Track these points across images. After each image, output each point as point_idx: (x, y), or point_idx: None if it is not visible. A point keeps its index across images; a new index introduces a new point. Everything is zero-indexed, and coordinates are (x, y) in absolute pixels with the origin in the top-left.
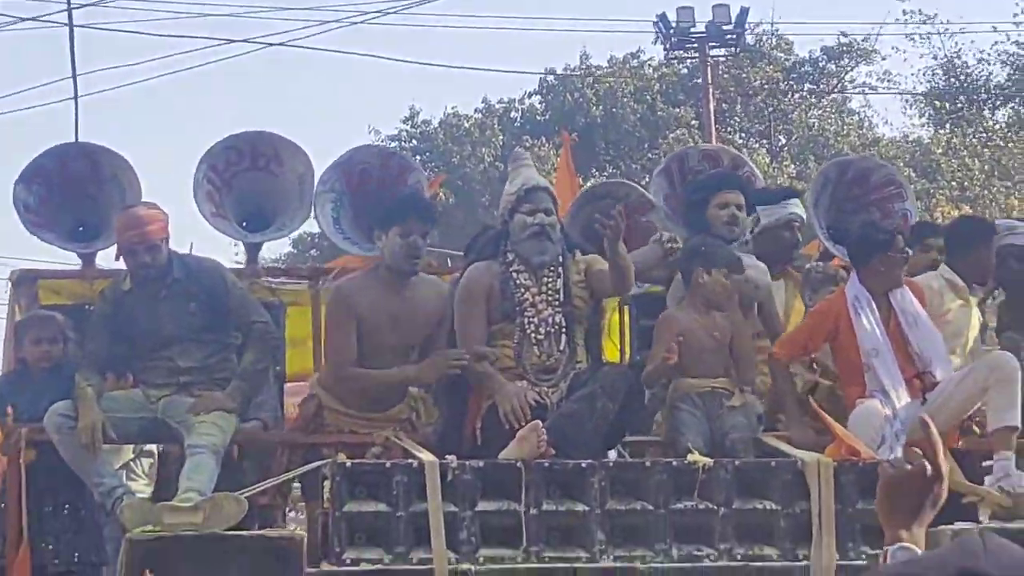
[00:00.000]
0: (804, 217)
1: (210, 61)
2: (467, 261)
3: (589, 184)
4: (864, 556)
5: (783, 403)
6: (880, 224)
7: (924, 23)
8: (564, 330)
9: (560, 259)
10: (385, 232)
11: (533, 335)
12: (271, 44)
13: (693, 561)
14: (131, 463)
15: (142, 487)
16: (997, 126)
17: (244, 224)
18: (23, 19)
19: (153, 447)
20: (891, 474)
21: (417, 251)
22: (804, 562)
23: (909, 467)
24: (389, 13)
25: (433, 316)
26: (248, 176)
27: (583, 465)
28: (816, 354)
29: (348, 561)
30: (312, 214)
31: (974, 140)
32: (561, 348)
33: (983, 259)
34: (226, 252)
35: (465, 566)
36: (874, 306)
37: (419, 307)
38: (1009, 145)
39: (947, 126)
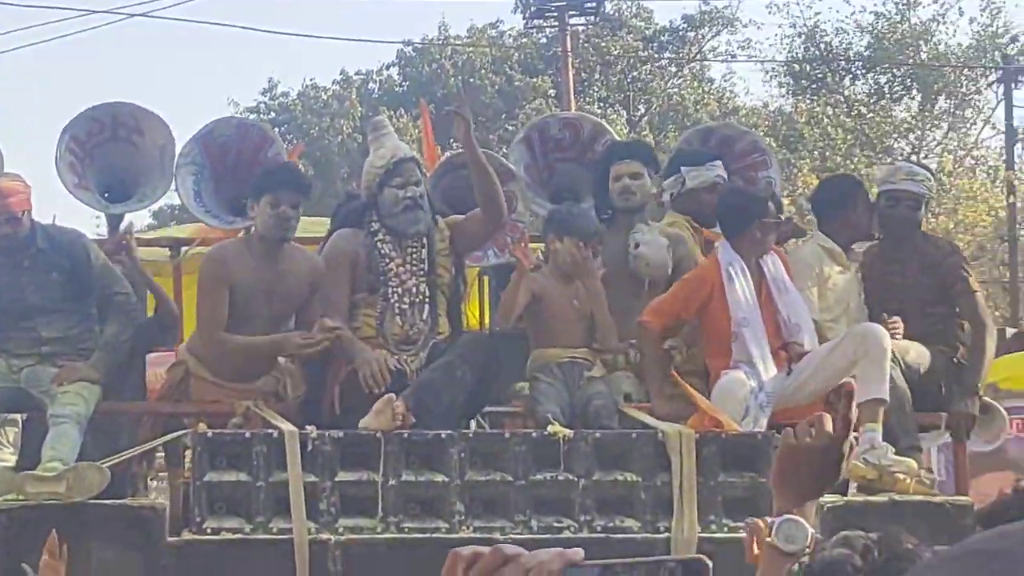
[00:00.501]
0: (727, 179)
1: (71, 32)
2: (330, 229)
3: (449, 154)
4: (726, 528)
5: (647, 373)
6: (751, 191)
7: None
8: (427, 300)
9: (426, 228)
10: (256, 202)
11: (397, 305)
12: (132, 15)
13: (553, 532)
14: None
15: (7, 456)
16: (858, 96)
17: (106, 195)
18: None
19: (17, 416)
20: (792, 444)
21: (287, 221)
22: (665, 534)
23: (809, 440)
24: None
25: (306, 287)
26: (109, 147)
27: (442, 436)
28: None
29: (208, 530)
30: (174, 187)
31: (836, 110)
32: (424, 318)
33: (856, 216)
34: (88, 224)
35: (324, 536)
36: (748, 273)
37: (291, 278)
38: (870, 115)
39: (807, 96)
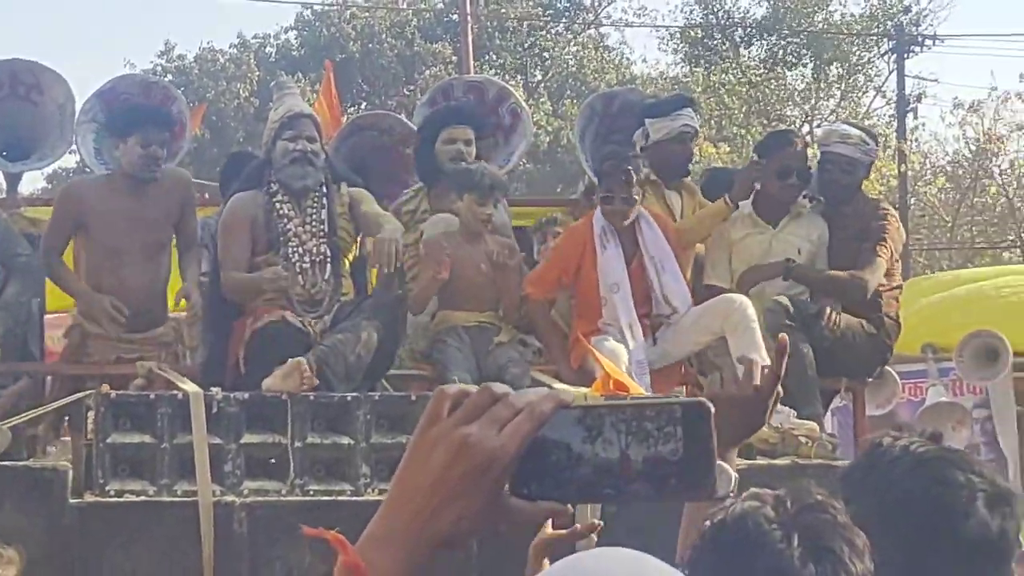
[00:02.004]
0: (695, 127)
1: None
2: (230, 191)
3: (355, 116)
4: None
5: (545, 341)
6: (615, 154)
7: None
8: (329, 260)
9: (324, 188)
10: (123, 141)
11: (298, 264)
12: None
13: None
14: None
15: None
16: (753, 63)
17: (4, 154)
18: None
19: None
20: (717, 393)
21: (156, 161)
22: None
23: (734, 390)
24: None
25: (176, 208)
26: (7, 104)
27: (348, 398)
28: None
29: (112, 492)
30: (74, 144)
31: (731, 78)
32: (326, 278)
33: (757, 173)
34: None
35: (230, 498)
36: (619, 240)
37: (160, 204)
38: (763, 83)
39: (703, 63)
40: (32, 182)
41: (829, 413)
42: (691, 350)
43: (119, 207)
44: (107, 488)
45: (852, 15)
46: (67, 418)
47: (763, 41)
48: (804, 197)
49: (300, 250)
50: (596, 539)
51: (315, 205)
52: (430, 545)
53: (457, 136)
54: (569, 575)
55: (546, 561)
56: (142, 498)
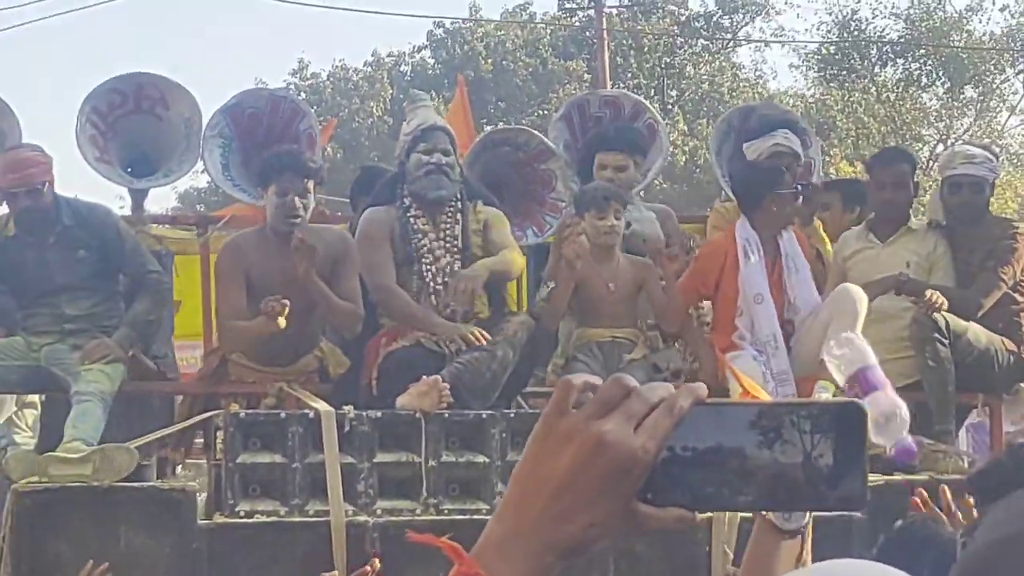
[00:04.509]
0: (794, 147)
1: (96, 4)
2: (361, 206)
3: (488, 130)
4: None
5: (697, 354)
6: (765, 163)
7: None
8: None
9: (459, 203)
10: (265, 191)
11: (431, 283)
12: None
13: None
14: (13, 416)
15: (26, 439)
16: (888, 83)
17: (129, 170)
18: None
19: (35, 398)
20: None
21: (294, 211)
22: (708, 513)
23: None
24: None
25: (326, 268)
26: (133, 120)
27: (483, 416)
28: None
29: (242, 513)
30: (200, 160)
31: (870, 98)
32: None
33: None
34: (111, 201)
35: (362, 518)
36: (762, 251)
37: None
38: (899, 103)
39: (838, 82)
40: (164, 200)
41: (964, 430)
42: (813, 346)
43: (274, 268)
44: (237, 509)
45: (991, 33)
46: (200, 437)
47: (899, 61)
48: (929, 225)
49: (433, 268)
50: None
51: (449, 220)
52: (556, 552)
53: (607, 162)
54: None
55: None
56: (273, 519)
